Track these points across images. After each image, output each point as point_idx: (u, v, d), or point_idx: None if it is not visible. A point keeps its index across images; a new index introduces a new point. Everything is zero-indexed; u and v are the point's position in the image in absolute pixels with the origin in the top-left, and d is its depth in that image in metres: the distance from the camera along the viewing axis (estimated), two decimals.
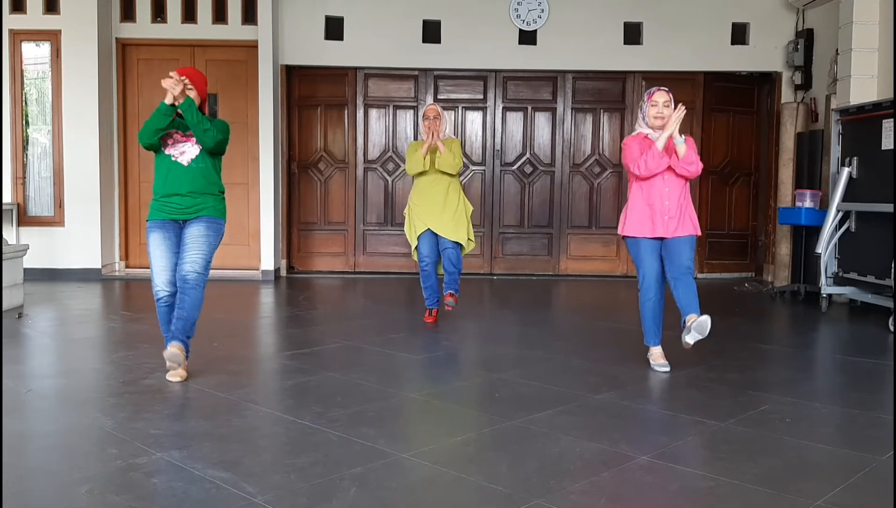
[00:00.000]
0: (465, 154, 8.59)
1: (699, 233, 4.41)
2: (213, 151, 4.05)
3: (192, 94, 3.96)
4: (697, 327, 4.13)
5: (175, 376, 3.94)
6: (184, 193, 3.96)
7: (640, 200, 4.36)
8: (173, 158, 3.98)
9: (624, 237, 4.46)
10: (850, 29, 6.80)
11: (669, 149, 4.30)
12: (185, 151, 3.99)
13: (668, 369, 4.34)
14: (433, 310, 5.77)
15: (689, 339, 4.18)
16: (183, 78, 3.93)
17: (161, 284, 3.99)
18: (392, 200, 8.61)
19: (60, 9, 7.78)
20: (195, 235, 3.95)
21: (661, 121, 4.27)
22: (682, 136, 4.27)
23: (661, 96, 4.29)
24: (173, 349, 3.86)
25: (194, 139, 3.99)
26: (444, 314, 5.95)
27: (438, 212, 5.48)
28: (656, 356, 4.43)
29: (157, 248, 3.96)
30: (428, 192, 5.51)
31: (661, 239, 4.35)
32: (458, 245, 5.60)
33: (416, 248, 5.66)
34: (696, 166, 4.29)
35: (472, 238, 5.75)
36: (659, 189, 4.31)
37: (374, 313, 6.29)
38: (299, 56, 8.28)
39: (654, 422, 3.46)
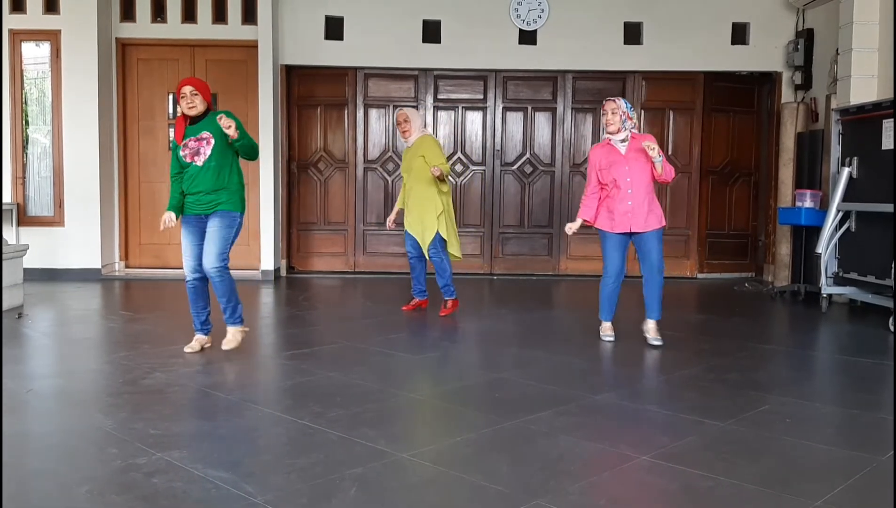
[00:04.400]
0: (465, 154, 8.61)
1: (665, 224, 5.00)
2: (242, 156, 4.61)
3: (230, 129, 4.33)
4: (655, 339, 4.97)
5: (227, 344, 4.61)
6: (202, 190, 4.45)
7: (606, 198, 4.96)
8: (193, 163, 4.46)
9: (598, 228, 5.05)
10: (850, 29, 6.80)
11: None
12: (200, 154, 4.45)
13: (613, 339, 5.06)
14: (414, 300, 6.17)
15: (653, 341, 4.96)
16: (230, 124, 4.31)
17: (188, 269, 4.54)
18: (392, 200, 8.59)
19: (60, 9, 7.78)
20: (210, 230, 4.47)
21: (612, 127, 4.91)
22: (660, 156, 4.79)
23: (609, 105, 4.93)
24: (232, 335, 4.64)
25: (204, 142, 4.44)
26: (440, 313, 6.02)
27: (413, 215, 5.92)
28: (606, 328, 5.14)
29: (185, 240, 4.53)
30: (405, 196, 6.04)
31: (629, 233, 4.93)
32: (438, 251, 5.87)
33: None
34: (670, 175, 4.90)
35: (446, 236, 5.88)
36: (623, 191, 4.88)
37: (374, 313, 6.29)
38: (299, 56, 8.28)
39: (654, 422, 3.45)
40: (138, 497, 2.50)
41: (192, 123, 4.49)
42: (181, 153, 4.46)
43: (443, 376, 4.44)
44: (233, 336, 4.63)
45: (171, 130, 8.21)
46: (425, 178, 5.81)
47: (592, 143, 8.59)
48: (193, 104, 4.42)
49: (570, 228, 5.05)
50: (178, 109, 4.47)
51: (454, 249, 5.93)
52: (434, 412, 3.68)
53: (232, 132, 4.26)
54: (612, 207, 4.92)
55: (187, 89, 4.42)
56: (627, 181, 4.86)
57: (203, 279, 4.55)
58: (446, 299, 6.01)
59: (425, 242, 5.82)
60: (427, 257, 5.92)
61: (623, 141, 4.93)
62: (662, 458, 2.92)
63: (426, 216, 5.82)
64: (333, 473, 2.72)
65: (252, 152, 4.54)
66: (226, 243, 4.47)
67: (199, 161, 4.43)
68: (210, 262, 4.42)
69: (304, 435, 3.15)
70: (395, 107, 8.55)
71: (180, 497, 2.52)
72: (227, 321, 4.63)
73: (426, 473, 2.80)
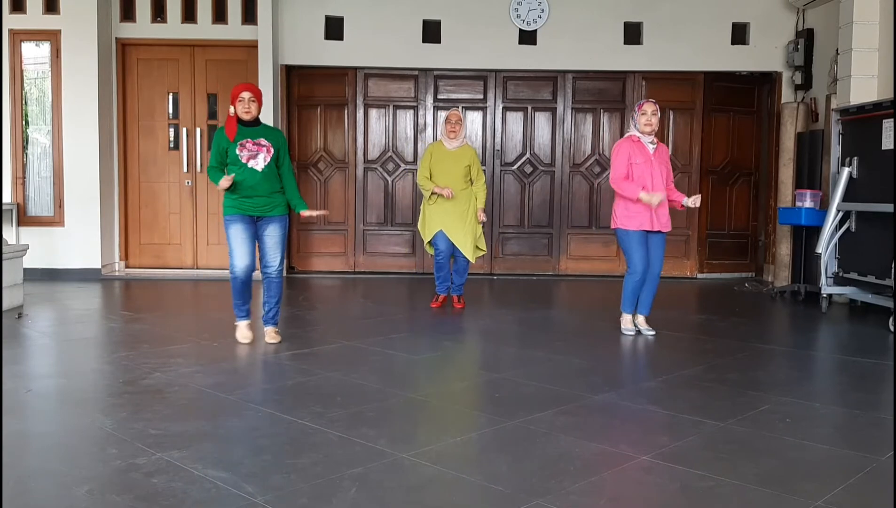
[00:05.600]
0: None
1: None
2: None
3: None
4: (649, 330, 5.31)
5: (274, 339, 4.91)
6: (260, 194, 4.70)
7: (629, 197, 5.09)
8: (249, 166, 4.64)
9: (617, 228, 5.21)
10: (850, 29, 6.80)
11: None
12: (258, 159, 4.67)
13: (633, 332, 5.27)
14: (441, 297, 6.35)
15: (648, 332, 5.30)
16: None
17: (240, 266, 4.73)
18: (392, 200, 8.61)
19: (60, 9, 7.78)
20: (273, 236, 4.78)
21: (650, 127, 5.06)
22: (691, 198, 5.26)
23: (649, 107, 5.08)
24: (271, 333, 4.92)
25: (265, 148, 4.68)
26: (445, 314, 6.04)
27: (455, 221, 6.07)
28: (627, 321, 5.32)
29: (237, 237, 4.70)
30: (444, 200, 6.08)
31: (647, 232, 5.16)
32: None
33: (429, 242, 6.22)
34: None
35: (483, 247, 6.32)
36: (651, 190, 5.09)
37: (374, 313, 6.29)
38: (299, 56, 8.28)
39: (654, 422, 3.45)
40: (138, 497, 2.50)
41: (246, 125, 4.70)
42: (237, 151, 4.63)
43: (443, 376, 4.44)
44: (276, 334, 4.94)
45: (172, 130, 8.31)
46: (468, 187, 6.11)
47: (592, 143, 8.60)
48: (249, 109, 4.66)
49: (658, 197, 5.05)
50: (232, 110, 4.68)
51: (483, 248, 6.34)
52: (434, 412, 3.68)
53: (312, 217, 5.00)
54: (637, 205, 5.08)
55: (246, 95, 4.65)
56: (656, 181, 5.10)
57: (251, 275, 4.78)
58: (461, 295, 6.42)
59: (473, 255, 6.14)
60: (452, 256, 6.25)
61: (651, 143, 5.14)
62: (662, 458, 2.92)
63: (473, 232, 6.11)
64: (333, 473, 2.72)
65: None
66: (286, 244, 4.93)
67: (259, 166, 4.66)
68: (277, 265, 4.83)
69: (304, 435, 3.15)
70: (395, 107, 8.56)
71: (180, 497, 2.52)
72: (271, 321, 4.93)
73: (426, 473, 2.80)
